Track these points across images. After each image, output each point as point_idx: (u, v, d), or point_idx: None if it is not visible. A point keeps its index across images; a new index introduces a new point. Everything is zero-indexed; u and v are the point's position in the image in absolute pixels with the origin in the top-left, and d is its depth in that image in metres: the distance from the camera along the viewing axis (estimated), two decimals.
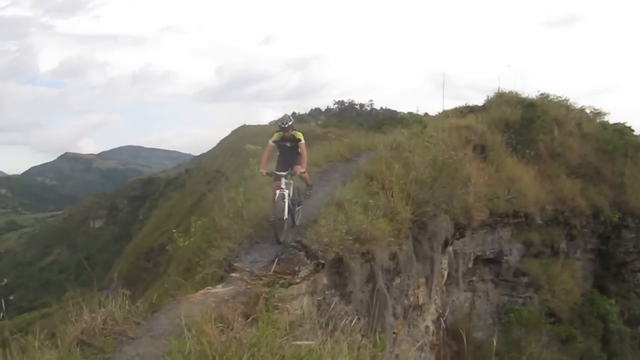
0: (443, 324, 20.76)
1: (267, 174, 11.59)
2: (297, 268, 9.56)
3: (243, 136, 78.64)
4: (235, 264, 9.57)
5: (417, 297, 16.84)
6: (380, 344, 4.74)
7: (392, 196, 13.59)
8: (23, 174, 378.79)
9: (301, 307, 9.85)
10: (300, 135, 11.74)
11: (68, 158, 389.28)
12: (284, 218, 10.95)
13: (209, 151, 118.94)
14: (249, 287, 8.44)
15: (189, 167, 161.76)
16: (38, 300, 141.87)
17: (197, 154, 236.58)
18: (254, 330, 5.39)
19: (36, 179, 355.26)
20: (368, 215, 12.05)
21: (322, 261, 10.29)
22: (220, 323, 5.96)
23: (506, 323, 22.25)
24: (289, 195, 11.20)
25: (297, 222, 11.98)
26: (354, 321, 7.25)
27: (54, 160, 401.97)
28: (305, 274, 9.81)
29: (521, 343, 20.66)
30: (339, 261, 11.08)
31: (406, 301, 15.94)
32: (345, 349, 4.77)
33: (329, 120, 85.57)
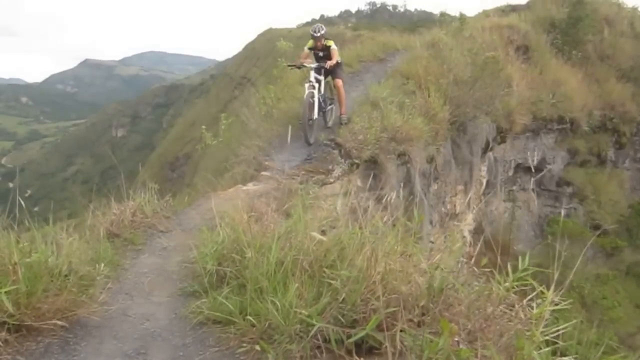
0: (482, 236, 20.85)
1: (295, 66, 11.50)
2: (330, 167, 9.56)
3: (270, 39, 77.48)
4: (267, 163, 9.58)
5: (455, 205, 16.88)
6: (418, 219, 4.65)
7: (429, 96, 13.40)
8: (43, 81, 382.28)
9: (335, 208, 9.87)
10: (331, 43, 11.63)
11: (89, 65, 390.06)
12: (314, 118, 10.83)
13: (234, 56, 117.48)
14: (281, 185, 8.45)
15: (214, 72, 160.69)
16: (63, 211, 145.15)
17: (221, 59, 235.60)
18: (285, 222, 5.37)
19: (57, 86, 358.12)
20: (404, 114, 11.89)
21: (356, 160, 10.26)
22: (253, 214, 5.95)
23: (549, 234, 22.10)
24: (319, 92, 11.05)
25: (330, 123, 11.92)
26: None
27: (75, 67, 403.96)
28: (339, 174, 9.81)
29: (565, 256, 20.54)
30: (373, 162, 11.02)
31: (443, 209, 15.99)
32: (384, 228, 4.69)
33: (360, 23, 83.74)
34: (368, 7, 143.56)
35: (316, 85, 10.93)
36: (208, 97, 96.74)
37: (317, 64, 11.28)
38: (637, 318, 20.95)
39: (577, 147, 24.49)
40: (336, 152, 9.92)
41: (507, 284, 3.70)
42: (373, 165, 11.07)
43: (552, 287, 3.55)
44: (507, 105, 17.22)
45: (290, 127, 10.89)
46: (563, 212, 24.32)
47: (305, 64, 11.30)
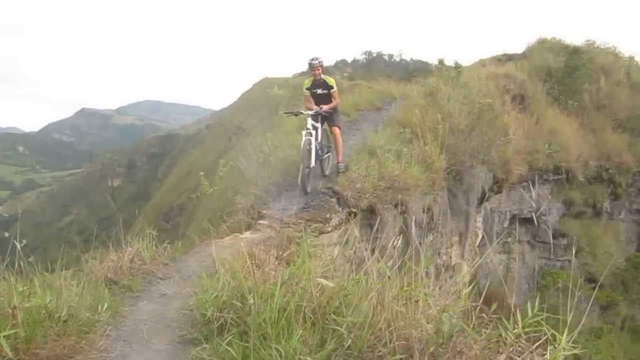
0: (477, 288, 20.72)
1: (292, 113, 11.46)
2: (328, 215, 9.55)
3: (266, 88, 77.75)
4: (264, 211, 9.57)
5: (450, 257, 16.83)
6: (426, 263, 4.69)
7: (426, 144, 13.49)
8: (40, 130, 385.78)
9: (332, 258, 9.85)
10: (332, 82, 11.65)
11: (85, 114, 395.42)
12: (311, 166, 10.68)
13: (230, 105, 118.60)
14: (279, 233, 8.44)
15: (209, 122, 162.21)
16: (58, 261, 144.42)
17: (217, 108, 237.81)
18: (288, 269, 5.35)
19: (54, 135, 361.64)
20: (401, 163, 11.94)
21: (354, 210, 10.27)
22: (253, 262, 5.95)
23: (543, 287, 22.04)
24: (316, 139, 10.95)
25: (327, 172, 11.85)
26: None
27: (71, 116, 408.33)
28: (337, 222, 9.80)
29: (559, 308, 20.45)
30: (370, 212, 11.03)
31: (438, 260, 15.93)
32: (390, 273, 4.71)
33: (356, 72, 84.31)
34: (364, 56, 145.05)
35: (313, 132, 10.81)
36: (203, 147, 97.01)
37: (314, 110, 11.16)
38: None
39: (573, 198, 24.51)
40: (334, 200, 9.92)
41: (517, 330, 3.70)
42: (370, 214, 11.09)
43: (566, 332, 3.56)
44: (503, 154, 17.31)
45: (287, 176, 10.95)
46: (558, 264, 24.28)
47: (302, 111, 11.24)
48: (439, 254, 15.86)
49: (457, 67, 19.78)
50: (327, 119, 11.74)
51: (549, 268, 24.00)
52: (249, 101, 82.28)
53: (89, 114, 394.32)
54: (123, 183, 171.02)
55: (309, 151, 10.58)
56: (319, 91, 11.60)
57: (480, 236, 19.75)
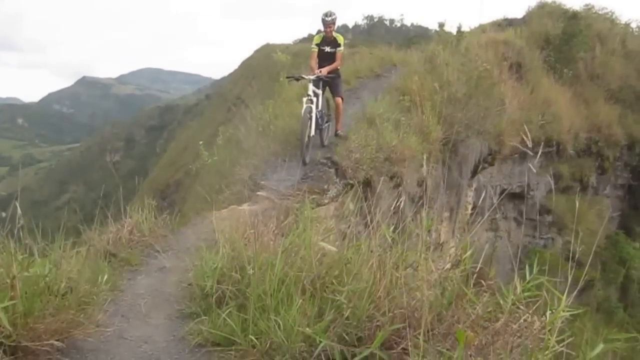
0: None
1: (294, 77, 11.20)
2: (326, 187, 9.44)
3: (267, 55, 76.76)
4: (262, 183, 9.44)
5: (439, 234, 16.72)
6: (427, 225, 4.59)
7: (424, 113, 13.34)
8: (40, 101, 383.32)
9: (331, 227, 9.76)
10: (341, 41, 11.30)
11: (85, 83, 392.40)
12: (311, 135, 10.42)
13: (230, 74, 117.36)
14: (277, 204, 8.33)
15: (209, 92, 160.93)
16: (54, 243, 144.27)
17: (218, 77, 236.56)
18: (288, 237, 5.24)
19: (53, 107, 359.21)
20: (399, 132, 11.80)
21: (351, 181, 10.13)
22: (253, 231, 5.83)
23: (527, 265, 21.94)
24: (317, 107, 10.60)
25: (326, 142, 11.58)
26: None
27: (71, 86, 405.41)
28: (334, 194, 9.68)
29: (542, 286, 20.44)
30: (366, 184, 10.89)
31: (428, 238, 15.81)
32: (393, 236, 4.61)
33: (356, 38, 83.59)
34: (365, 21, 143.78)
35: (314, 99, 10.46)
36: (202, 119, 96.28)
37: (314, 75, 10.71)
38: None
39: (561, 172, 24.19)
40: (332, 171, 9.80)
41: (514, 296, 3.62)
42: (365, 187, 10.93)
43: (566, 292, 3.47)
44: (498, 125, 17.14)
45: (287, 145, 10.81)
46: (541, 242, 24.16)
47: (303, 76, 10.88)
48: (429, 231, 15.74)
49: (459, 32, 19.38)
50: (330, 87, 11.41)
51: (533, 246, 23.86)
52: (250, 69, 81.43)
53: (89, 82, 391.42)
54: (122, 158, 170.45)
55: (309, 119, 10.30)
56: (328, 49, 11.24)
57: (469, 210, 19.63)
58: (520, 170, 22.80)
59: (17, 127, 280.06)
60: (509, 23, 28.22)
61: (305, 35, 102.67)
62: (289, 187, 9.31)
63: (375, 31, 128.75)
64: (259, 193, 9.12)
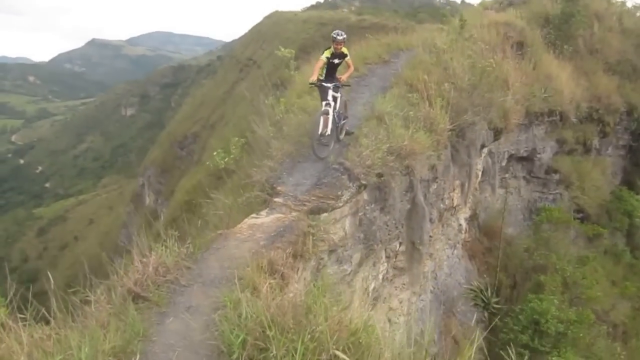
0: (476, 222, 20.84)
1: (314, 84, 11.17)
2: (340, 192, 9.38)
3: (276, 22, 76.41)
4: (278, 188, 9.38)
5: (452, 200, 16.77)
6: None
7: (431, 106, 13.20)
8: (50, 61, 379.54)
9: (343, 229, 9.74)
10: (347, 51, 11.50)
11: (96, 44, 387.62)
12: (327, 133, 10.59)
13: (241, 37, 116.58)
14: (293, 217, 8.31)
15: (220, 53, 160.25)
16: (74, 187, 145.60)
17: (228, 39, 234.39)
18: (306, 295, 5.21)
19: (64, 65, 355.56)
20: (408, 128, 11.72)
21: (364, 182, 10.09)
22: (272, 275, 5.79)
23: (537, 222, 22.28)
24: (334, 108, 10.88)
25: (342, 137, 11.66)
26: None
27: (82, 47, 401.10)
28: (348, 197, 9.66)
29: (550, 241, 20.75)
30: (378, 176, 10.84)
31: (442, 205, 15.85)
32: None
33: (363, 7, 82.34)
34: None
35: (332, 103, 10.81)
36: (215, 78, 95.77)
37: (334, 83, 11.08)
38: (612, 295, 21.39)
39: (565, 137, 24.57)
40: (345, 177, 9.70)
41: None
42: (378, 178, 10.89)
43: None
44: (503, 107, 17.01)
45: (300, 146, 10.72)
46: (550, 197, 24.44)
47: (324, 83, 11.05)
48: (442, 199, 15.76)
49: (461, 20, 19.11)
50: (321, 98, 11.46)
51: (543, 202, 24.24)
52: (260, 34, 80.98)
53: (99, 44, 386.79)
54: (137, 112, 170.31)
55: (327, 119, 10.57)
56: (336, 61, 11.42)
57: (480, 176, 19.67)
58: (527, 137, 22.91)
59: (28, 84, 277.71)
60: (509, 3, 28.23)
61: (314, 2, 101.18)
62: (305, 192, 9.26)
63: (382, 0, 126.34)
64: (275, 199, 9.08)
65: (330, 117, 10.67)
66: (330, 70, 11.46)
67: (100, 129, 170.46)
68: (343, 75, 11.60)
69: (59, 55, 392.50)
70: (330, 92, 10.91)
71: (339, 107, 11.26)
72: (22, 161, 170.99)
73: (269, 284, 5.40)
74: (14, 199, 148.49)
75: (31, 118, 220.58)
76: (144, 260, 6.30)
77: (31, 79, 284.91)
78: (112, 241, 76.22)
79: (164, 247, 6.64)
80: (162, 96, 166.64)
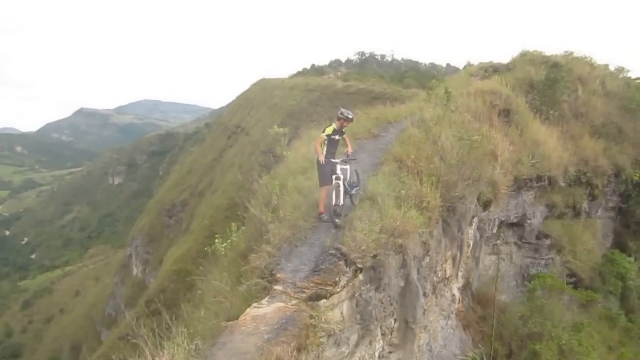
0: (469, 291, 21.19)
1: (325, 162, 12.10)
2: (337, 279, 9.83)
3: (264, 89, 77.92)
4: (278, 275, 9.82)
5: (445, 271, 17.19)
6: None
7: (422, 183, 13.79)
8: (38, 131, 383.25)
9: (341, 313, 10.17)
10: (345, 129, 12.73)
11: (84, 114, 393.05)
12: (341, 204, 11.93)
13: (229, 105, 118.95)
14: (294, 305, 8.74)
15: (209, 121, 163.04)
16: (60, 258, 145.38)
17: (216, 107, 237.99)
18: None
19: (52, 135, 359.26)
20: (401, 208, 12.28)
21: (360, 266, 10.57)
22: None
23: (531, 289, 22.67)
24: (344, 180, 12.12)
25: (356, 202, 12.66)
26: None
27: (70, 116, 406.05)
28: (345, 282, 10.12)
29: (545, 308, 21.08)
30: (373, 257, 11.32)
31: (435, 278, 16.27)
32: None
33: (350, 73, 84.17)
34: (357, 56, 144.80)
35: (341, 177, 12.07)
36: (203, 146, 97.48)
37: (342, 159, 12.42)
38: None
39: (555, 201, 25.13)
40: (342, 263, 10.18)
41: None
42: (373, 259, 11.37)
43: None
44: (492, 178, 17.63)
45: (296, 230, 11.23)
46: (543, 262, 24.88)
47: (332, 160, 12.17)
48: (435, 272, 16.19)
49: (447, 92, 19.93)
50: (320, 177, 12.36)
51: (535, 268, 24.67)
52: (248, 101, 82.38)
53: (87, 114, 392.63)
54: (124, 181, 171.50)
55: (339, 192, 11.90)
56: (337, 137, 12.45)
57: (471, 246, 20.13)
58: (517, 203, 23.45)
59: (16, 154, 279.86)
60: (494, 69, 29.15)
61: (300, 69, 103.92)
62: (304, 279, 9.72)
63: (368, 66, 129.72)
64: (276, 287, 9.52)
65: (342, 189, 11.93)
66: (331, 146, 12.33)
67: (87, 198, 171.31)
68: (348, 148, 12.90)
69: (47, 125, 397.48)
70: (339, 167, 12.10)
71: (350, 178, 12.49)
72: (8, 232, 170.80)
73: None
74: None
75: (18, 189, 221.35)
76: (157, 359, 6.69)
77: (19, 149, 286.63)
78: (99, 313, 76.05)
79: (175, 346, 7.04)
80: (150, 164, 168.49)
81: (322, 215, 12.18)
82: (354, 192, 12.68)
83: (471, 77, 27.75)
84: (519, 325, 20.74)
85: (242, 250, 11.57)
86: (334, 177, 11.97)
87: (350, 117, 12.42)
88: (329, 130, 12.27)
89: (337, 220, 11.60)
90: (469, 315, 20.75)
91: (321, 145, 12.25)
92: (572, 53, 30.26)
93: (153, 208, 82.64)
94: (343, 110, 12.51)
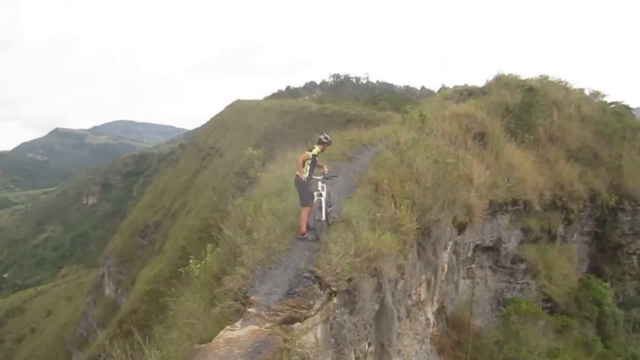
0: (444, 314, 21.37)
1: (307, 178, 12.82)
2: (311, 302, 9.95)
3: (238, 110, 78.53)
4: (252, 297, 9.91)
5: (419, 294, 17.37)
6: None
7: (397, 206, 14.00)
8: (13, 150, 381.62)
9: (315, 336, 10.29)
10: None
11: (59, 133, 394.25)
12: (322, 219, 12.43)
13: (203, 126, 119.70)
14: (267, 328, 8.85)
15: (183, 142, 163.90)
16: (33, 277, 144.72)
17: (190, 128, 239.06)
18: None
19: (27, 155, 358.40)
20: (375, 231, 12.46)
21: (334, 289, 10.71)
22: None
23: (505, 315, 22.88)
24: (324, 198, 12.75)
25: (330, 221, 13.10)
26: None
27: (45, 136, 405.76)
28: (319, 305, 10.23)
29: (520, 333, 21.30)
30: (348, 280, 11.47)
31: (409, 301, 16.44)
32: None
33: (324, 95, 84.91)
34: (332, 79, 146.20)
35: (323, 193, 12.76)
36: (177, 167, 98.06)
37: (323, 175, 13.29)
38: None
39: (530, 226, 25.52)
40: (316, 286, 10.31)
41: None
42: (347, 282, 11.52)
43: None
44: (467, 202, 17.88)
45: (271, 252, 11.36)
46: (517, 287, 25.17)
47: (314, 177, 13.06)
48: (409, 295, 16.36)
49: (421, 115, 20.24)
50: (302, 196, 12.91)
51: (510, 292, 24.92)
52: (222, 122, 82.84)
53: (62, 133, 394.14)
54: (98, 201, 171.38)
55: (320, 208, 12.48)
56: (317, 157, 13.27)
57: (446, 269, 20.35)
58: (492, 226, 23.74)
59: None
60: (469, 93, 29.58)
61: (275, 91, 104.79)
62: (277, 301, 9.81)
63: (343, 88, 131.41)
64: (249, 310, 9.61)
65: (323, 205, 12.50)
66: (312, 166, 13.09)
67: (60, 218, 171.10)
68: (324, 168, 13.65)
69: (22, 144, 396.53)
70: (320, 183, 12.92)
71: (326, 196, 12.94)
72: None
73: None
74: None
75: None
76: None
77: None
78: (71, 332, 75.69)
79: None
80: (124, 185, 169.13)
81: (305, 236, 12.51)
82: (329, 210, 13.08)
83: (446, 100, 28.16)
84: (494, 351, 20.93)
85: (215, 271, 11.64)
86: (315, 193, 12.65)
87: (328, 140, 13.48)
88: (315, 151, 13.09)
89: (320, 237, 12.11)
90: (443, 340, 20.90)
91: (303, 164, 12.82)
92: (547, 77, 30.84)
93: (126, 228, 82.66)
94: (326, 135, 13.55)
